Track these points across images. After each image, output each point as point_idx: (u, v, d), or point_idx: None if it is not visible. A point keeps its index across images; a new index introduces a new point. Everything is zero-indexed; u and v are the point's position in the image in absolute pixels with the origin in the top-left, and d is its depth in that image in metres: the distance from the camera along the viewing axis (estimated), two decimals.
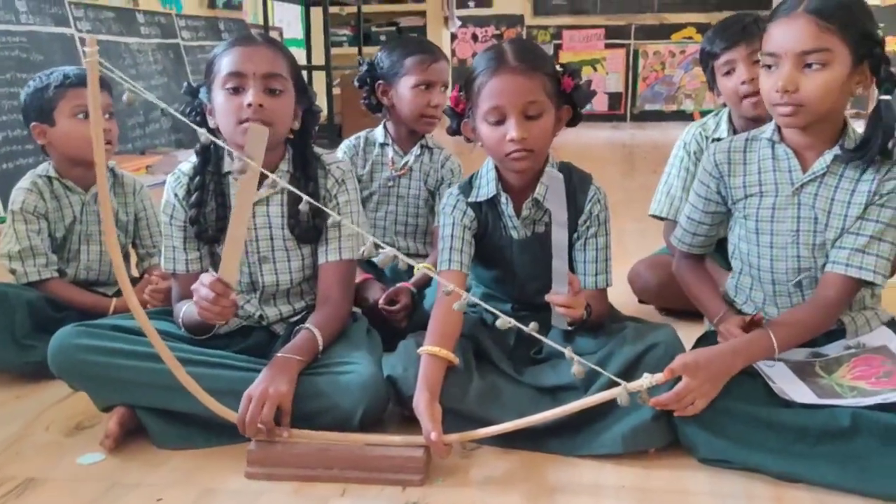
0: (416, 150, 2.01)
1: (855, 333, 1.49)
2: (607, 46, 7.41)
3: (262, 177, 1.22)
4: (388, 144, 2.02)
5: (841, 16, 1.34)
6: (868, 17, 1.39)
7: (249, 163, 1.21)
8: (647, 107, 7.48)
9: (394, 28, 7.44)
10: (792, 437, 1.28)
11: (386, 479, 1.28)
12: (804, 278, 1.47)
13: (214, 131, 1.51)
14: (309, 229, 1.55)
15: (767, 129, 1.50)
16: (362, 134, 2.09)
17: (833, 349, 1.48)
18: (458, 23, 7.38)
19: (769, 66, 1.39)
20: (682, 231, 1.63)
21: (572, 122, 1.58)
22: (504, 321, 1.24)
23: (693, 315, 1.82)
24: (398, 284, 1.84)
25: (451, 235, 1.56)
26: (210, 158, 1.53)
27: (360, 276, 1.87)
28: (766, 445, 1.28)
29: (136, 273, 2.06)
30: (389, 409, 1.46)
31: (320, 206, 1.25)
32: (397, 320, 1.76)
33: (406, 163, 2.01)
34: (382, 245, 1.21)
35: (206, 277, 1.32)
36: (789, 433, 1.29)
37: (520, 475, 1.31)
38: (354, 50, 6.59)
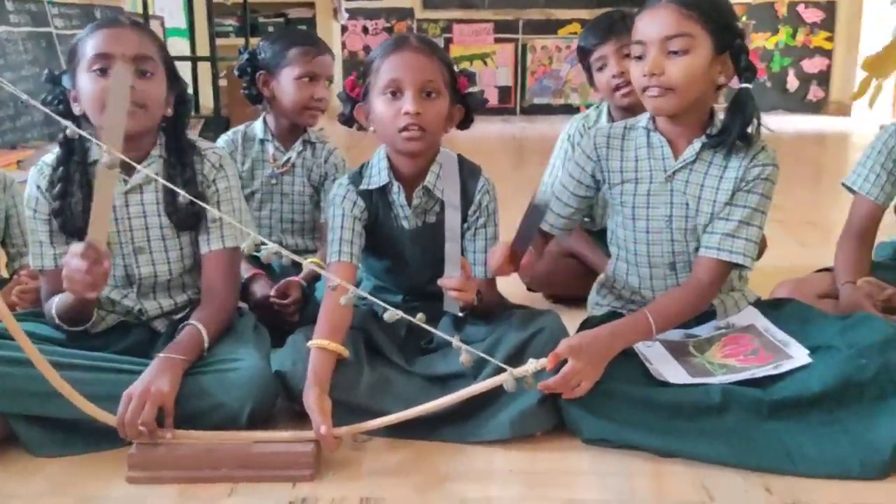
0: (297, 145, 1.98)
1: (724, 314, 1.57)
2: (497, 41, 7.51)
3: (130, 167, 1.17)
4: (268, 140, 1.98)
5: (702, 5, 1.42)
6: (728, 8, 1.47)
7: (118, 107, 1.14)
8: (536, 100, 7.63)
9: (282, 19, 7.30)
10: (668, 415, 1.35)
11: (275, 476, 1.26)
12: (678, 262, 1.54)
13: (80, 118, 1.45)
14: (188, 215, 1.49)
15: (643, 118, 1.57)
16: (240, 128, 2.03)
17: (705, 330, 1.57)
18: (347, 15, 7.32)
19: (638, 57, 1.46)
20: (548, 212, 1.67)
21: (463, 125, 1.61)
22: (391, 314, 1.25)
23: (578, 301, 1.88)
24: (288, 278, 1.82)
25: (341, 227, 1.55)
26: (75, 149, 1.46)
27: (248, 272, 1.83)
28: (644, 424, 1.34)
29: (5, 274, 1.95)
30: (280, 405, 1.44)
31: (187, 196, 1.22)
32: (288, 314, 1.74)
33: (288, 159, 1.97)
34: (265, 241, 1.19)
35: (77, 247, 1.25)
36: (665, 411, 1.35)
37: (411, 465, 1.32)
38: (241, 41, 6.42)
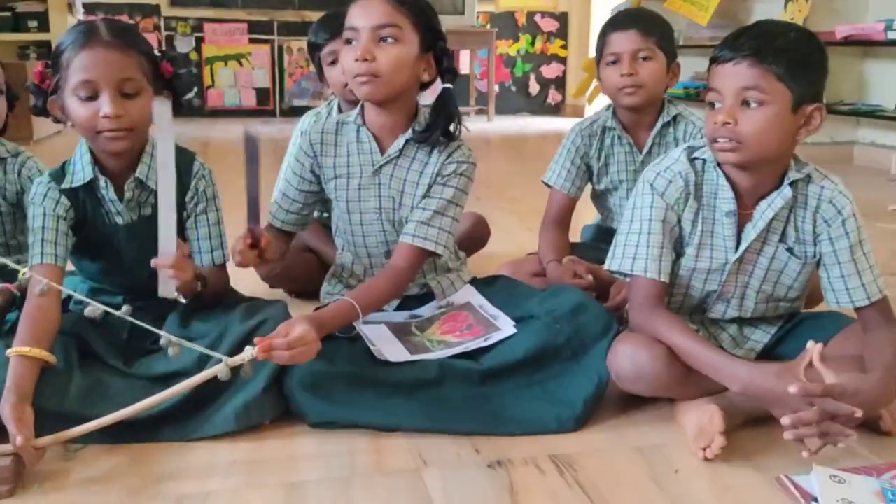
0: None
1: (443, 295, 1.67)
2: (252, 41, 7.35)
3: None
4: None
5: (410, 4, 1.51)
6: (433, 13, 1.57)
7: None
8: (296, 102, 7.57)
9: (9, 13, 6.62)
10: (389, 391, 1.41)
11: None
12: (393, 251, 1.62)
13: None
14: None
15: (353, 113, 1.63)
16: None
17: (427, 310, 1.66)
18: (83, 10, 6.80)
19: (349, 41, 1.51)
20: (276, 207, 1.69)
21: (173, 111, 1.55)
22: (93, 308, 1.19)
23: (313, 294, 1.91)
24: None
25: (43, 227, 1.45)
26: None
27: None
28: (367, 403, 1.39)
29: None
30: None
31: None
32: None
33: None
34: None
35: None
36: (387, 387, 1.41)
37: (126, 469, 1.26)
38: None
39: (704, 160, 1.44)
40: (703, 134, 1.88)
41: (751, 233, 1.41)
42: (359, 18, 1.50)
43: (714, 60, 1.35)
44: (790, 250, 1.43)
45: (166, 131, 1.28)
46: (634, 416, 1.45)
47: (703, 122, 1.90)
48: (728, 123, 1.31)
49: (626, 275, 1.46)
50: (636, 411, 1.46)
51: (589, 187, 2.09)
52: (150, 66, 1.46)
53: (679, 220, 1.44)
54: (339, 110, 2.11)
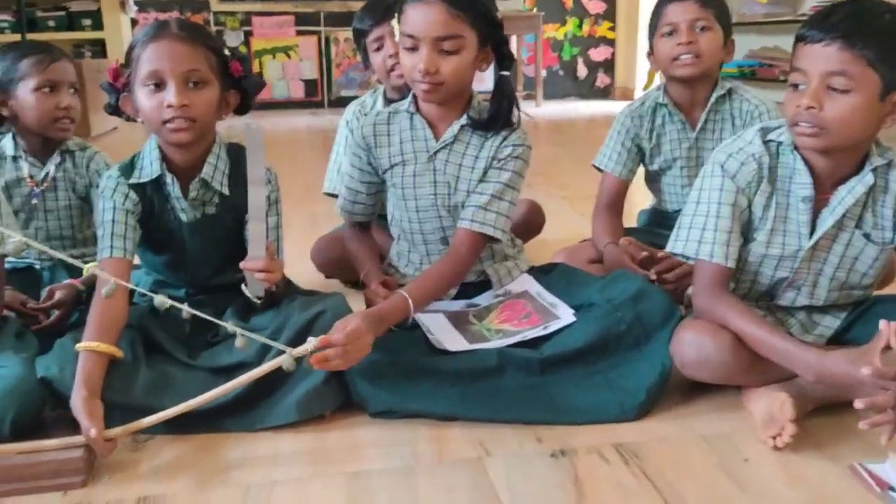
0: (55, 157, 1.81)
1: (500, 283, 1.66)
2: (299, 33, 7.40)
3: None
4: (20, 157, 1.80)
5: (468, 5, 1.48)
6: (490, 5, 1.55)
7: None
8: (344, 93, 7.60)
9: (63, 13, 6.78)
10: (449, 381, 1.40)
11: (43, 487, 1.19)
12: (449, 237, 1.61)
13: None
14: None
15: (405, 102, 1.62)
16: None
17: (484, 299, 1.65)
18: (136, 7, 6.93)
19: (408, 48, 1.49)
20: (342, 200, 1.71)
21: (242, 111, 1.58)
22: (161, 300, 1.21)
23: None
24: (65, 281, 1.70)
25: (113, 220, 1.47)
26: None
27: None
28: (427, 392, 1.39)
29: None
30: (51, 414, 1.35)
31: None
32: (49, 321, 1.61)
33: (47, 174, 1.81)
34: (13, 235, 1.12)
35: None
36: (447, 377, 1.41)
37: (192, 459, 1.29)
38: (17, 37, 5.91)
39: (780, 143, 1.39)
40: (759, 113, 1.83)
41: (828, 219, 1.36)
42: (420, 27, 1.47)
43: (801, 39, 1.29)
44: (867, 236, 1.37)
45: (258, 153, 1.32)
46: (699, 404, 1.42)
47: (759, 100, 1.86)
48: (812, 108, 1.25)
49: (689, 258, 1.43)
50: (700, 399, 1.43)
51: (642, 171, 2.05)
52: (217, 63, 1.47)
53: (749, 205, 1.40)
54: (385, 96, 2.10)
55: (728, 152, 1.41)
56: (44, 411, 1.33)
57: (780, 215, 1.39)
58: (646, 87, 6.38)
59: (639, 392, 1.37)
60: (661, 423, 1.36)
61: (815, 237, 1.37)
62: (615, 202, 1.98)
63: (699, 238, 1.40)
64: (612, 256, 1.78)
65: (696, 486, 1.18)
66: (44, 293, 1.64)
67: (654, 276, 1.66)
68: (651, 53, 1.91)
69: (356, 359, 1.31)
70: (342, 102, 7.49)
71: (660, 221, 2.03)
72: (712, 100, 1.88)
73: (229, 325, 1.26)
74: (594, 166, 2.02)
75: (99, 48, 6.76)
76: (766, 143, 1.39)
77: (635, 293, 1.46)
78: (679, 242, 1.43)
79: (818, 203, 1.37)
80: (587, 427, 1.35)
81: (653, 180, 2.06)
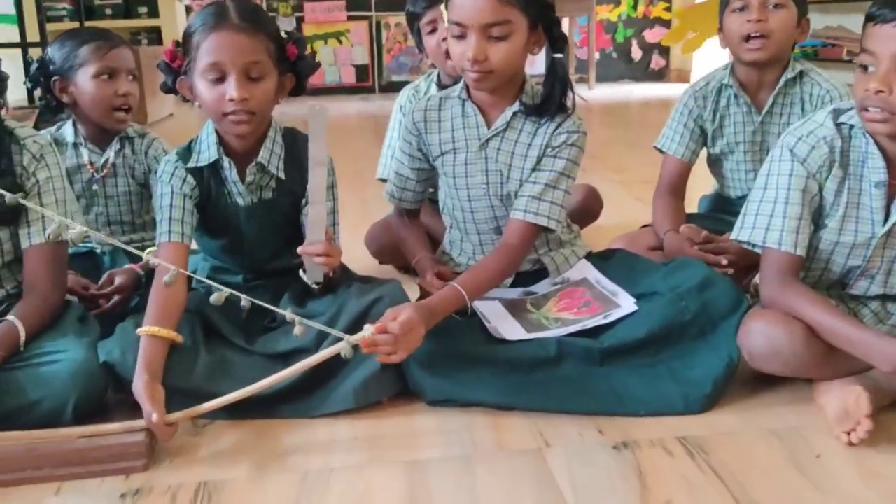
0: (115, 144, 1.83)
1: (557, 271, 1.63)
2: (350, 18, 7.41)
3: None
4: (80, 144, 1.82)
5: None
6: None
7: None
8: (395, 78, 7.60)
9: (120, 1, 6.91)
10: (507, 370, 1.38)
11: (105, 471, 1.20)
12: (503, 227, 1.58)
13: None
14: (4, 210, 1.38)
15: (457, 88, 1.59)
16: (48, 132, 1.85)
17: (542, 287, 1.62)
18: None
19: (460, 36, 1.46)
20: (392, 186, 1.69)
21: (296, 92, 1.56)
22: (217, 296, 1.21)
23: None
24: (124, 266, 1.72)
25: (171, 205, 1.48)
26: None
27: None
28: (484, 381, 1.37)
29: None
30: (113, 397, 1.37)
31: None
32: (106, 303, 1.63)
33: (106, 161, 1.83)
34: (74, 224, 1.13)
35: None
36: (504, 366, 1.39)
37: (251, 444, 1.29)
38: (76, 25, 6.04)
39: (852, 125, 1.32)
40: (830, 98, 1.76)
41: None
42: (467, 14, 1.43)
43: (870, 19, 1.22)
44: None
45: (320, 134, 1.30)
46: (766, 397, 1.37)
47: (831, 84, 1.78)
48: (881, 92, 1.19)
49: (755, 245, 1.37)
50: (768, 392, 1.39)
51: (704, 154, 1.98)
52: (275, 49, 1.46)
53: (820, 190, 1.34)
54: (439, 81, 2.08)
55: (798, 135, 1.35)
56: (106, 395, 1.35)
57: (852, 201, 1.33)
58: (665, 42, 6.18)
59: (704, 384, 1.33)
60: (727, 416, 1.32)
61: (890, 223, 1.31)
62: (677, 185, 1.92)
63: (767, 225, 1.34)
64: (673, 244, 1.72)
65: (766, 482, 1.14)
66: (104, 278, 1.66)
67: (724, 262, 1.60)
68: (721, 30, 1.83)
69: (407, 349, 1.29)
70: (393, 88, 7.50)
71: (723, 207, 1.97)
72: (781, 82, 1.81)
73: (287, 314, 1.25)
74: (655, 147, 1.96)
75: (155, 35, 6.87)
76: (838, 125, 1.33)
77: (701, 281, 1.42)
78: (745, 230, 1.38)
79: (892, 188, 1.31)
80: (649, 419, 1.31)
81: (714, 164, 2.00)
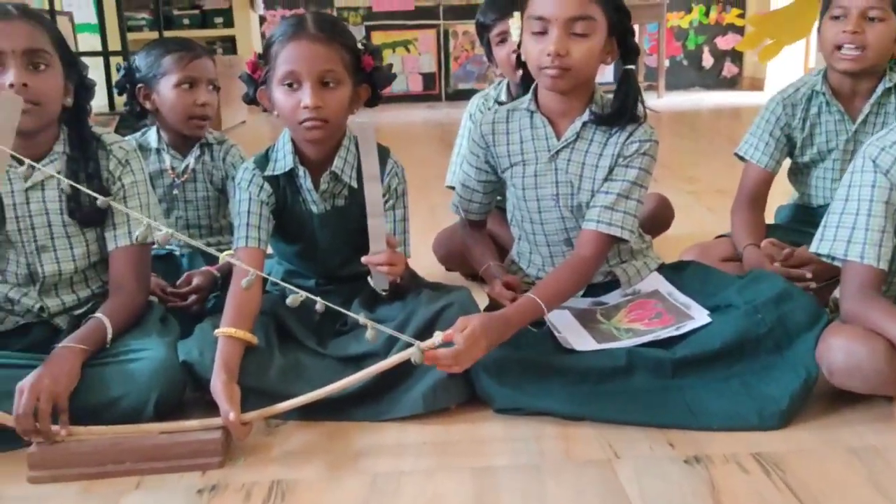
0: (195, 150, 1.89)
1: (629, 283, 1.61)
2: (418, 27, 7.49)
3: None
4: (163, 150, 1.89)
5: None
6: None
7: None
8: (461, 86, 7.63)
9: (197, 11, 7.13)
10: (576, 380, 1.37)
11: (183, 466, 1.24)
12: (573, 238, 1.57)
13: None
14: (92, 212, 1.45)
15: (525, 100, 1.58)
16: (133, 137, 1.93)
17: (612, 298, 1.60)
18: (264, 5, 7.19)
19: (541, 32, 1.46)
20: (458, 198, 1.70)
21: (371, 103, 1.59)
22: (294, 298, 1.24)
23: None
24: (202, 268, 1.78)
25: (248, 211, 1.52)
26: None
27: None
28: (553, 391, 1.36)
29: None
30: (190, 396, 1.41)
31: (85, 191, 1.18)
32: (187, 304, 1.68)
33: (187, 166, 1.89)
34: (161, 228, 1.17)
35: None
36: (574, 376, 1.38)
37: (323, 445, 1.32)
38: (155, 34, 6.25)
39: None
40: None
41: None
42: (550, 8, 1.43)
43: None
44: None
45: (371, 149, 1.34)
46: (846, 415, 1.33)
47: None
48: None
49: (836, 259, 1.34)
50: (847, 409, 1.34)
51: (786, 163, 1.93)
52: (351, 59, 1.49)
53: None
54: (508, 90, 2.08)
55: (881, 146, 1.31)
56: (184, 393, 1.39)
57: None
58: (741, 48, 6.01)
59: (781, 399, 1.30)
60: (804, 433, 1.28)
61: None
62: (758, 196, 1.86)
63: (848, 238, 1.31)
64: (753, 259, 1.68)
65: (845, 502, 1.11)
66: (182, 278, 1.72)
67: (809, 276, 1.56)
68: (819, 32, 1.79)
69: (466, 363, 1.30)
70: (459, 96, 7.53)
71: (805, 218, 1.90)
72: (878, 91, 1.76)
73: (360, 318, 1.27)
74: (736, 155, 1.91)
75: (230, 45, 7.06)
76: None
77: (778, 294, 1.38)
78: (825, 242, 1.34)
79: None
80: (722, 434, 1.28)
81: (799, 173, 1.93)
